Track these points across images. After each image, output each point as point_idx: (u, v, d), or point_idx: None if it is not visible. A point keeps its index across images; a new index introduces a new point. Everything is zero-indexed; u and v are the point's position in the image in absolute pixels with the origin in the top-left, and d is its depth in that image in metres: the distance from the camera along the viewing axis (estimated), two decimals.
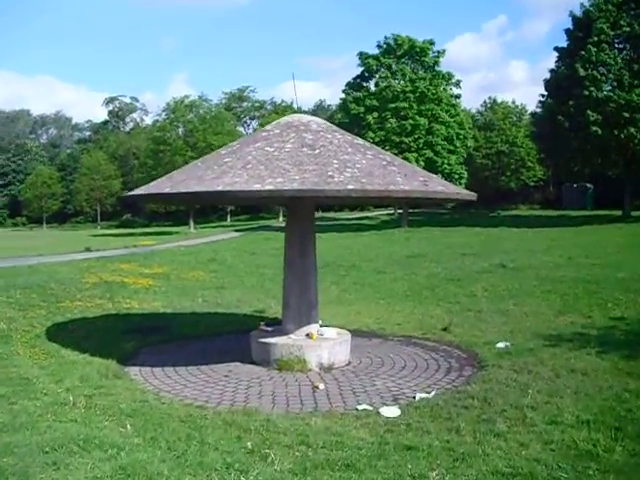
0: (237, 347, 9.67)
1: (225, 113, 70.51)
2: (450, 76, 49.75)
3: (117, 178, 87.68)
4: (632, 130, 39.23)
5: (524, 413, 6.31)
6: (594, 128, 39.15)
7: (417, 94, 47.28)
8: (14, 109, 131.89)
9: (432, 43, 48.70)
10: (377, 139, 45.21)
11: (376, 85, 50.03)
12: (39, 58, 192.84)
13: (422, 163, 44.60)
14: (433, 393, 7.31)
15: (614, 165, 45.90)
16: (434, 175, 9.01)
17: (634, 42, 40.93)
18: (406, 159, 42.03)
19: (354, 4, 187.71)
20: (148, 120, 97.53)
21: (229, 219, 78.38)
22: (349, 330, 11.13)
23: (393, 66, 48.86)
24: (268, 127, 9.04)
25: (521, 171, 68.60)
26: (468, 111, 70.43)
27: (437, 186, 7.78)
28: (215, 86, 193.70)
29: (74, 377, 7.81)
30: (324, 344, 8.81)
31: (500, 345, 9.68)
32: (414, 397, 7.26)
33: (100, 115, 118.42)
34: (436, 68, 49.23)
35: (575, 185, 59.04)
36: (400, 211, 51.17)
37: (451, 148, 47.80)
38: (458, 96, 51.45)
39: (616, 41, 42.03)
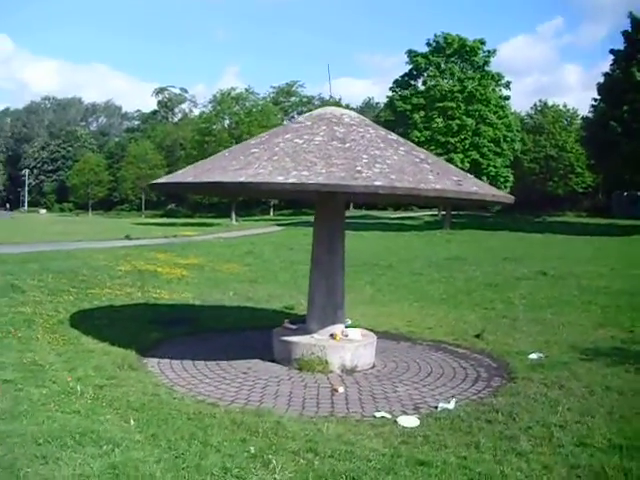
0: (260, 344, 9.41)
1: (271, 107, 70.51)
2: (500, 77, 48.72)
3: (163, 168, 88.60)
4: None
5: (551, 432, 5.88)
6: None
7: (465, 94, 46.48)
8: (67, 97, 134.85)
9: (483, 42, 47.74)
10: (423, 138, 44.69)
11: (424, 84, 49.43)
12: (94, 47, 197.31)
13: (467, 164, 43.88)
14: (453, 403, 6.93)
15: None
16: (470, 175, 8.59)
17: None
18: (451, 160, 41.43)
19: (409, 3, 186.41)
20: (197, 111, 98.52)
21: (272, 213, 78.63)
22: (378, 332, 10.83)
23: (442, 65, 48.10)
24: (300, 119, 8.77)
25: (570, 177, 67.03)
26: (518, 114, 69.08)
27: (471, 186, 7.38)
28: (266, 80, 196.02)
29: (88, 366, 7.66)
30: (347, 346, 8.50)
31: (533, 356, 9.22)
32: (436, 407, 6.90)
33: (150, 105, 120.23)
34: (486, 68, 48.27)
35: (626, 193, 57.33)
36: (444, 212, 50.39)
37: (497, 150, 46.86)
38: (507, 97, 50.34)
39: None
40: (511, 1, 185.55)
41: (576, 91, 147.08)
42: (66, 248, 23.10)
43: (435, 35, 48.71)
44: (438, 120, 45.72)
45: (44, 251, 21.11)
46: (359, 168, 6.87)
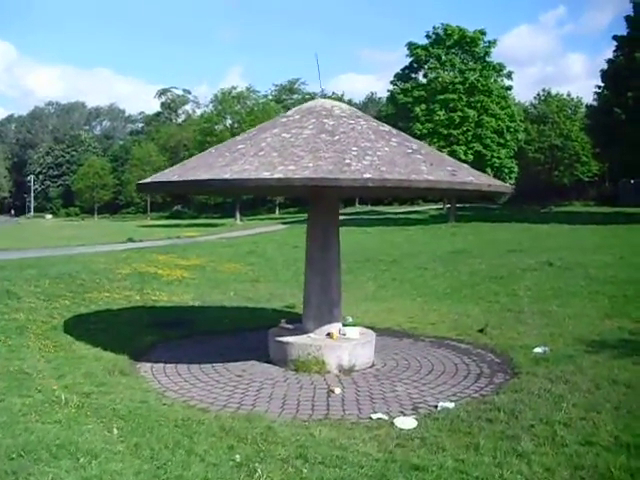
0: (257, 345, 9.16)
1: (273, 105, 70.20)
2: (501, 67, 48.13)
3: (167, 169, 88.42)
4: None
5: (554, 430, 5.62)
6: None
7: (466, 85, 45.98)
8: (69, 101, 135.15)
9: (483, 33, 47.18)
10: (425, 131, 44.34)
11: (425, 76, 49.00)
12: (97, 52, 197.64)
13: (471, 156, 43.48)
14: (448, 403, 6.68)
15: None
16: (465, 165, 8.31)
17: None
18: (454, 152, 41.07)
19: None
20: (200, 112, 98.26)
21: (277, 211, 78.36)
22: (380, 329, 10.62)
23: (442, 56, 47.51)
24: (289, 112, 8.52)
25: (575, 166, 66.36)
26: (522, 104, 68.47)
27: (466, 177, 7.10)
28: (270, 79, 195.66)
29: (78, 373, 7.45)
30: (345, 345, 8.25)
31: (538, 350, 8.93)
32: (436, 406, 6.65)
33: (154, 107, 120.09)
34: (487, 59, 47.68)
35: (632, 181, 56.73)
36: (449, 206, 50.00)
37: (501, 141, 46.35)
38: (509, 88, 49.75)
39: None
40: None
41: (580, 80, 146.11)
42: (67, 252, 22.95)
43: (434, 27, 48.17)
44: (440, 113, 45.24)
45: (44, 256, 20.95)
46: (348, 161, 6.61)
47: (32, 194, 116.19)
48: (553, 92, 71.72)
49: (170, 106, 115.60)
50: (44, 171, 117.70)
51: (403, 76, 50.17)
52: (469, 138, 45.41)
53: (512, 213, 50.09)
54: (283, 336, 8.48)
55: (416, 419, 6.13)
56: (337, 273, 8.76)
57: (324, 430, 5.71)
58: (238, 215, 58.47)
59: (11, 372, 7.28)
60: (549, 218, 42.39)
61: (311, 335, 8.46)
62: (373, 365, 8.46)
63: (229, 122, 62.19)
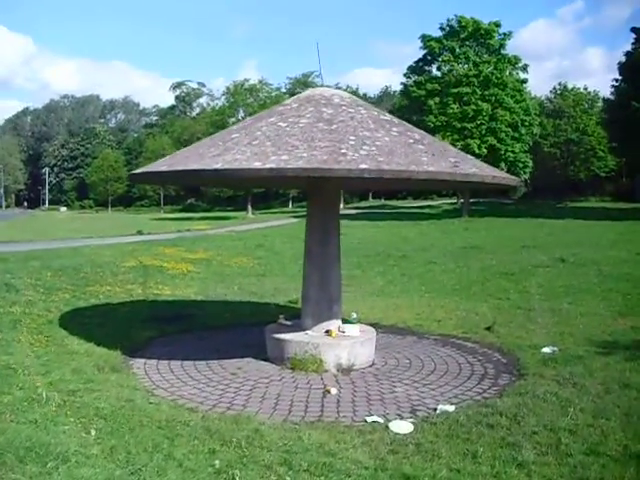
0: (256, 341, 8.84)
1: (285, 98, 69.80)
2: (516, 60, 47.33)
3: None
4: None
5: (559, 438, 5.28)
6: None
7: (481, 78, 45.27)
8: (85, 94, 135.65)
9: (498, 25, 46.38)
10: (438, 124, 43.80)
11: (438, 69, 48.39)
12: (114, 45, 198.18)
13: (485, 150, 42.95)
14: (448, 406, 6.35)
15: None
16: (470, 157, 7.94)
17: None
18: (468, 145, 40.57)
19: None
20: (215, 105, 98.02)
21: (291, 205, 78.04)
22: (384, 326, 10.32)
23: (456, 49, 46.81)
24: (287, 101, 8.20)
25: (591, 161, 65.49)
26: (538, 98, 67.53)
27: (469, 168, 6.75)
28: (285, 72, 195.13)
29: (66, 369, 7.18)
30: (344, 343, 7.94)
31: (546, 350, 8.57)
32: (435, 409, 6.33)
33: (169, 101, 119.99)
34: (502, 51, 46.92)
35: None
36: (462, 200, 49.44)
37: (515, 135, 45.62)
38: (525, 81, 48.97)
39: None
40: None
41: (598, 74, 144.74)
42: (75, 245, 22.78)
43: (448, 19, 47.52)
44: (453, 106, 44.65)
45: (49, 249, 20.78)
46: (344, 151, 6.28)
47: (47, 187, 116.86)
48: (569, 86, 70.85)
49: (184, 99, 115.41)
50: (59, 164, 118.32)
51: (417, 69, 49.55)
52: (483, 132, 44.76)
53: (527, 208, 49.52)
54: (280, 333, 8.18)
55: (413, 423, 5.81)
56: (337, 268, 8.44)
57: (314, 434, 5.42)
58: (250, 208, 58.22)
59: None
60: (564, 213, 41.83)
61: (309, 332, 8.15)
62: (373, 364, 8.14)
63: (241, 115, 61.86)
